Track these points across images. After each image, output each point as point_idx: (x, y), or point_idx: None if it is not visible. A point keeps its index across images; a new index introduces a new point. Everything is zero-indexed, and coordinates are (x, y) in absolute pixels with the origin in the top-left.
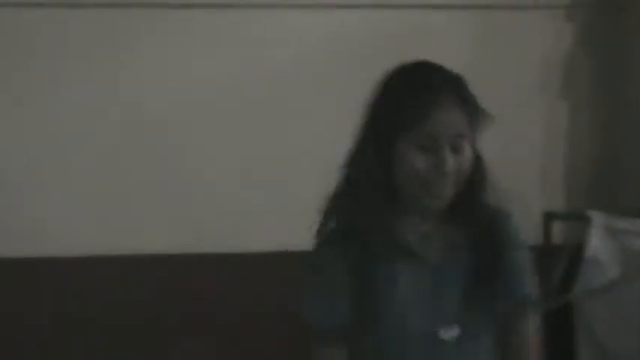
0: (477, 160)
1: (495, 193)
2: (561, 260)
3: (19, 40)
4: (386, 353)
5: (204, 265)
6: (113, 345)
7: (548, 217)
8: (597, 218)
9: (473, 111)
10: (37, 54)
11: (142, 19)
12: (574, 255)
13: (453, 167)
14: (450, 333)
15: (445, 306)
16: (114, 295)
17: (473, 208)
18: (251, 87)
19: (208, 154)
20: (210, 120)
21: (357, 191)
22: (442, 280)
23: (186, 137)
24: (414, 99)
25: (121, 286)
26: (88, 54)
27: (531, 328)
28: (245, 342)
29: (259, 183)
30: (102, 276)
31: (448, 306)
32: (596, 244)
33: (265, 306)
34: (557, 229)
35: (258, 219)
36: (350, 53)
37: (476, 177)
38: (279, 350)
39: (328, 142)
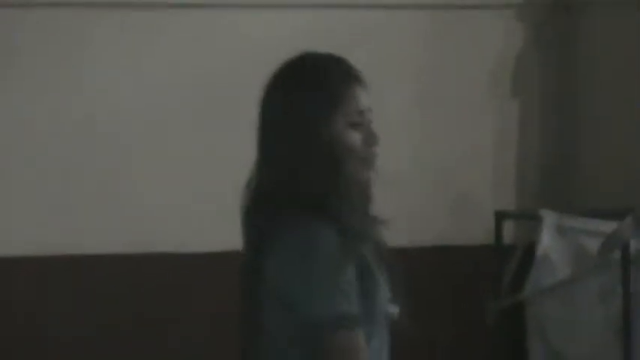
0: None
1: None
2: (512, 260)
3: None
4: (371, 337)
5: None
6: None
7: (500, 216)
8: (549, 217)
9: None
10: None
11: (94, 20)
12: (525, 254)
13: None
14: (394, 310)
15: (389, 287)
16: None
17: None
18: (192, 90)
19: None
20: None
21: (322, 181)
22: (382, 259)
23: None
24: (339, 76)
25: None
26: (38, 55)
27: None
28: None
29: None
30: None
31: (390, 287)
32: (548, 243)
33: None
34: (509, 229)
35: None
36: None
37: None
38: None
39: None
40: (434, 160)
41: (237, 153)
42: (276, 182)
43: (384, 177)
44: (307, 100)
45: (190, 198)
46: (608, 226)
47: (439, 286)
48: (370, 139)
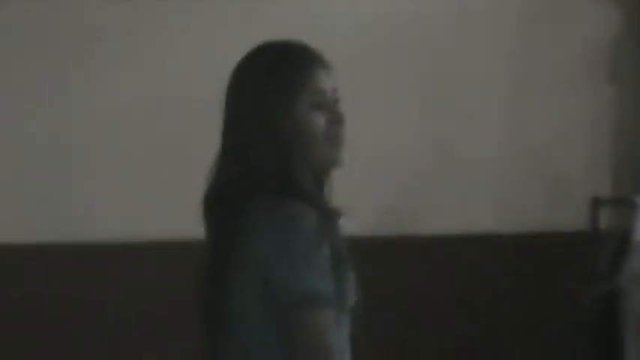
0: None
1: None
2: (608, 246)
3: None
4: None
5: None
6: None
7: (595, 202)
8: None
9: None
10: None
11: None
12: (621, 241)
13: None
14: (354, 299)
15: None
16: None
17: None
18: None
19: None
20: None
21: (291, 164)
22: (346, 246)
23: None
24: (298, 60)
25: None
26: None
27: None
28: None
29: None
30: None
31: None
32: None
33: None
34: (604, 215)
35: None
36: (394, 38)
37: None
38: None
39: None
40: (529, 146)
41: None
42: (242, 170)
43: (477, 163)
44: (265, 87)
45: None
46: None
47: (533, 273)
48: (335, 118)
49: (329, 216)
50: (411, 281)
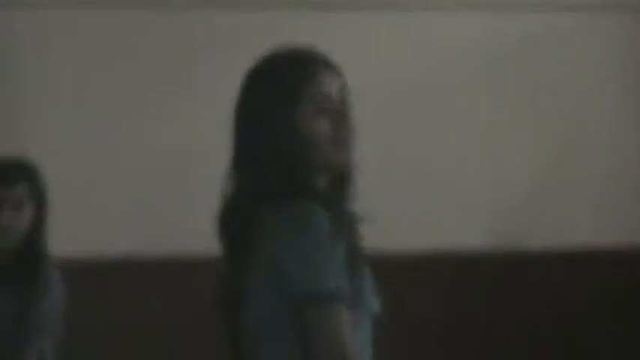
0: None
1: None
2: None
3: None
4: (357, 325)
5: None
6: None
7: None
8: None
9: (345, 83)
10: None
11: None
12: None
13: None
14: (377, 304)
15: (372, 280)
16: None
17: (351, 186)
18: (402, 88)
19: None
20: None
21: (297, 170)
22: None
23: None
24: (301, 65)
25: None
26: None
27: None
28: None
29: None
30: None
31: (372, 281)
32: None
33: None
34: None
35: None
36: (491, 55)
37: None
38: None
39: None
40: (636, 161)
41: (430, 157)
42: (250, 180)
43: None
44: (267, 96)
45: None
46: None
47: None
48: (340, 121)
49: (342, 217)
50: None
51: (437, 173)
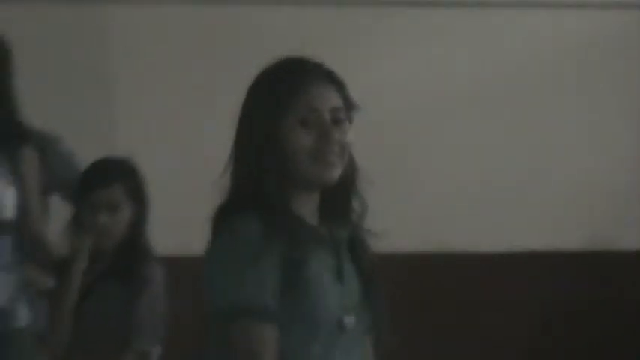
0: (350, 154)
1: (362, 200)
2: None
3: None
4: (297, 340)
5: None
6: None
7: None
8: None
9: (344, 96)
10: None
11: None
12: None
13: (337, 137)
14: (350, 320)
15: (347, 292)
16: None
17: (347, 202)
18: (487, 85)
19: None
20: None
21: (259, 179)
22: (342, 265)
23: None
24: (289, 76)
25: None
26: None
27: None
28: None
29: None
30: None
31: (349, 293)
32: None
33: None
34: None
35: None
36: (580, 53)
37: (350, 169)
38: None
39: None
40: None
41: (524, 151)
42: (231, 186)
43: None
44: (255, 103)
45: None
46: None
47: None
48: (323, 137)
49: (283, 232)
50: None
51: (525, 174)
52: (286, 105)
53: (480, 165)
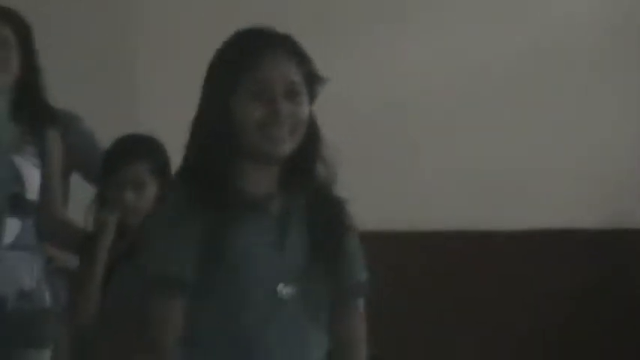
0: (315, 123)
1: (328, 168)
2: None
3: None
4: (229, 310)
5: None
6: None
7: None
8: None
9: (306, 70)
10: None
11: None
12: None
13: (288, 112)
14: (287, 290)
15: (287, 263)
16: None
17: (308, 172)
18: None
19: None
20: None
21: (205, 150)
22: (286, 237)
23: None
24: (242, 48)
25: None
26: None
27: (359, 315)
28: None
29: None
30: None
31: (290, 264)
32: None
33: None
34: None
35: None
36: (608, 33)
37: (313, 140)
38: None
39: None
40: None
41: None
42: (183, 157)
43: None
44: (210, 76)
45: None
46: None
47: None
48: (272, 112)
49: (216, 201)
50: None
51: (543, 152)
52: (237, 77)
53: (500, 143)
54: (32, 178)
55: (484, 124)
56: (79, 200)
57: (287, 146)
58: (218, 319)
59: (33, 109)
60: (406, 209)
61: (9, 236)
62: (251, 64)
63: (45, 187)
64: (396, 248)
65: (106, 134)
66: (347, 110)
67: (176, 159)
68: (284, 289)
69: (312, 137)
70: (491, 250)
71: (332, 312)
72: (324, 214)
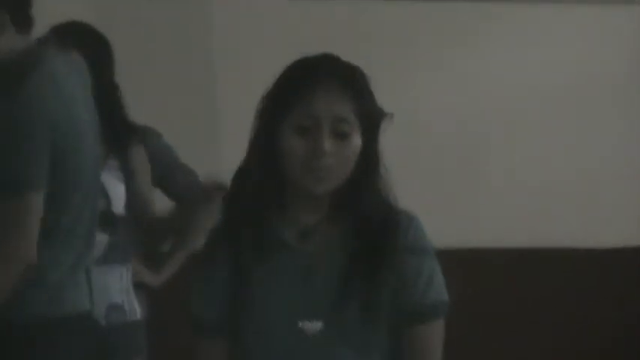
0: (371, 157)
1: (390, 196)
2: None
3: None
4: (253, 349)
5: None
6: None
7: None
8: None
9: (364, 103)
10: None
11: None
12: None
13: (333, 149)
14: (313, 326)
15: (314, 299)
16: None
17: (358, 202)
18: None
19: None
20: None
21: (244, 186)
22: (316, 272)
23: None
24: (292, 79)
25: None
26: (435, 45)
27: (429, 336)
28: None
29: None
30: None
31: (318, 299)
32: None
33: None
34: None
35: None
36: None
37: (365, 173)
38: None
39: None
40: None
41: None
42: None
43: None
44: (262, 103)
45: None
46: None
47: None
48: (315, 150)
49: (242, 237)
50: None
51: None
52: (285, 109)
53: (559, 163)
54: (117, 192)
55: (546, 140)
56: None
57: (329, 184)
58: (246, 357)
59: (114, 125)
60: (467, 226)
61: (97, 251)
62: (300, 97)
63: (135, 200)
64: (461, 265)
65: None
66: (411, 126)
67: None
68: (307, 325)
69: (367, 169)
70: (567, 268)
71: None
72: (368, 238)
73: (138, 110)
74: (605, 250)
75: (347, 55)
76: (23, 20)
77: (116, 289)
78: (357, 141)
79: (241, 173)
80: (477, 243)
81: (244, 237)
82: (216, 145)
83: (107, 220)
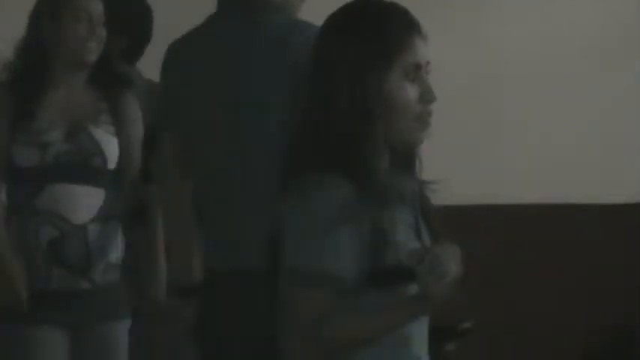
0: None
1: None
2: None
3: None
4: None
5: None
6: None
7: None
8: None
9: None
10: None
11: None
12: None
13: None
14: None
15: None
16: None
17: (414, 157)
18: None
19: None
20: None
21: (354, 136)
22: (420, 224)
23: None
24: (396, 28)
25: None
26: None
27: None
28: None
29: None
30: None
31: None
32: None
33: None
34: None
35: None
36: None
37: None
38: None
39: None
40: None
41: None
42: (313, 134)
43: None
44: (361, 48)
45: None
46: None
47: None
48: (427, 95)
49: (374, 196)
50: None
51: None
52: (395, 56)
53: (575, 122)
54: (111, 147)
55: (560, 97)
56: None
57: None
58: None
59: (105, 73)
60: (492, 183)
61: (93, 208)
62: (406, 43)
63: (123, 155)
64: (492, 221)
65: None
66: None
67: None
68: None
69: None
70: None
71: None
72: (429, 203)
73: None
74: (619, 205)
75: None
76: None
77: (113, 246)
78: None
79: (336, 127)
80: (490, 199)
81: (382, 197)
82: None
83: (102, 176)
